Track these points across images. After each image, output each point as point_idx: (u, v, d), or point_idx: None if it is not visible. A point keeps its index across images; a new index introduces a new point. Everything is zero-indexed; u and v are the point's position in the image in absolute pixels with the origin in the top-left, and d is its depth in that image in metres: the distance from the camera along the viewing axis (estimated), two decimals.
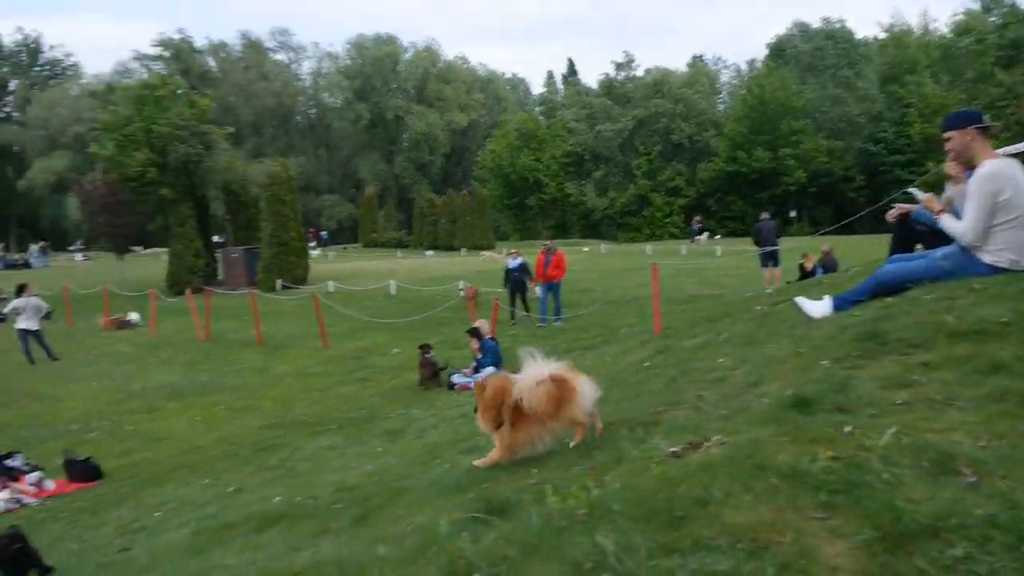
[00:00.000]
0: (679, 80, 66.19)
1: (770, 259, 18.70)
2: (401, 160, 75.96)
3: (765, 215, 19.76)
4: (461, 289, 20.95)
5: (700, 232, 48.92)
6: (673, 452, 2.55)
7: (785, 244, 20.84)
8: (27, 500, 9.24)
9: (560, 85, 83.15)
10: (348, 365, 15.79)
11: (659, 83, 65.00)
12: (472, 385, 12.12)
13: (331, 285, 26.54)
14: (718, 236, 49.39)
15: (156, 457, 10.52)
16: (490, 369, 12.17)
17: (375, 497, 4.08)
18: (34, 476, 9.79)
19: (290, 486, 6.05)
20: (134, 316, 23.26)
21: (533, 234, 57.72)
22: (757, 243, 19.19)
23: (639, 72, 69.30)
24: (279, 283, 28.65)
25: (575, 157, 65.66)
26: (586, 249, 44.95)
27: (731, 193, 60.44)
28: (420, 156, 75.67)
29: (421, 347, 13.30)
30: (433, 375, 12.75)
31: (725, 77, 78.63)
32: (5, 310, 20.58)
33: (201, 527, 5.00)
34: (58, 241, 67.15)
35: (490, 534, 2.26)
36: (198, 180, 31.72)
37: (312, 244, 42.60)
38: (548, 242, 18.46)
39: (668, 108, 62.79)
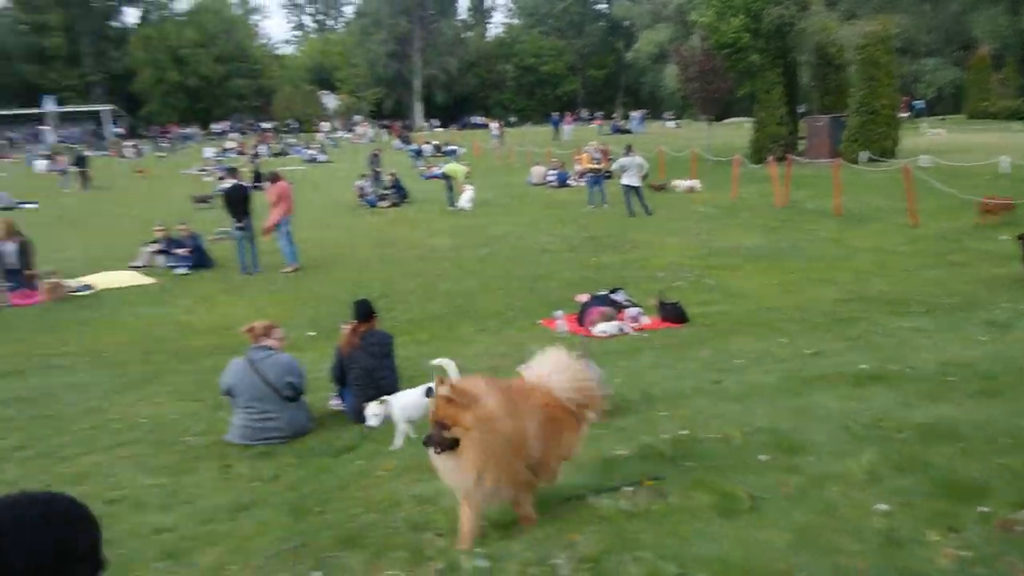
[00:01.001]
0: None
1: None
2: None
3: None
4: None
5: None
6: None
7: None
8: (627, 330, 10.80)
9: None
10: (939, 246, 14.21)
11: None
12: None
13: (924, 159, 23.81)
14: None
15: (733, 311, 11.13)
16: None
17: (1001, 376, 3.54)
18: (633, 311, 11.33)
19: (876, 355, 5.73)
20: (683, 184, 24.34)
21: None
22: None
23: None
24: (864, 154, 26.88)
25: None
26: None
27: None
28: None
29: (1020, 237, 11.18)
30: None
31: None
32: (613, 167, 23.68)
33: (788, 375, 5.09)
34: (653, 109, 74.23)
35: None
36: (791, 43, 31.15)
37: (904, 116, 38.40)
38: None
39: None
